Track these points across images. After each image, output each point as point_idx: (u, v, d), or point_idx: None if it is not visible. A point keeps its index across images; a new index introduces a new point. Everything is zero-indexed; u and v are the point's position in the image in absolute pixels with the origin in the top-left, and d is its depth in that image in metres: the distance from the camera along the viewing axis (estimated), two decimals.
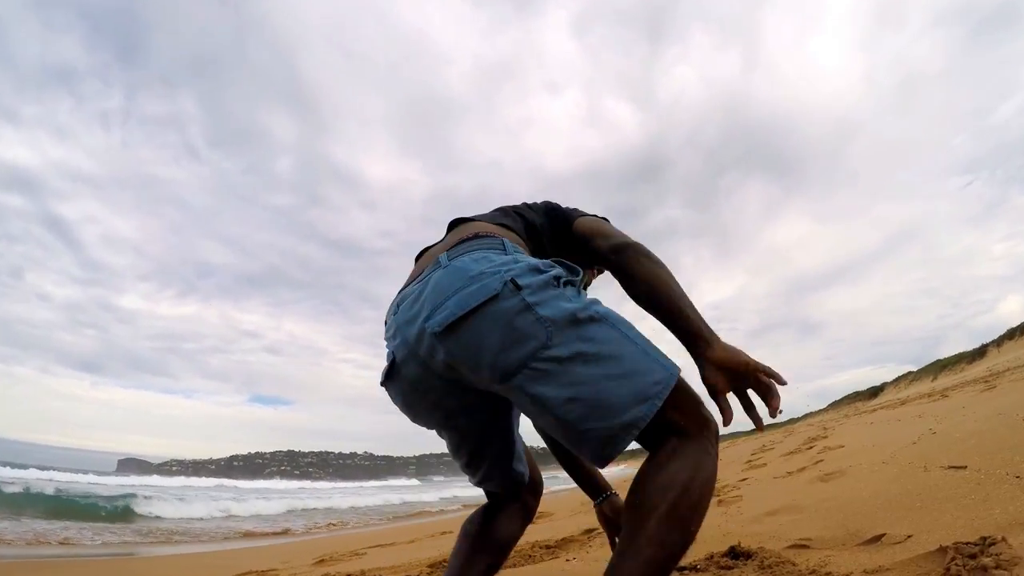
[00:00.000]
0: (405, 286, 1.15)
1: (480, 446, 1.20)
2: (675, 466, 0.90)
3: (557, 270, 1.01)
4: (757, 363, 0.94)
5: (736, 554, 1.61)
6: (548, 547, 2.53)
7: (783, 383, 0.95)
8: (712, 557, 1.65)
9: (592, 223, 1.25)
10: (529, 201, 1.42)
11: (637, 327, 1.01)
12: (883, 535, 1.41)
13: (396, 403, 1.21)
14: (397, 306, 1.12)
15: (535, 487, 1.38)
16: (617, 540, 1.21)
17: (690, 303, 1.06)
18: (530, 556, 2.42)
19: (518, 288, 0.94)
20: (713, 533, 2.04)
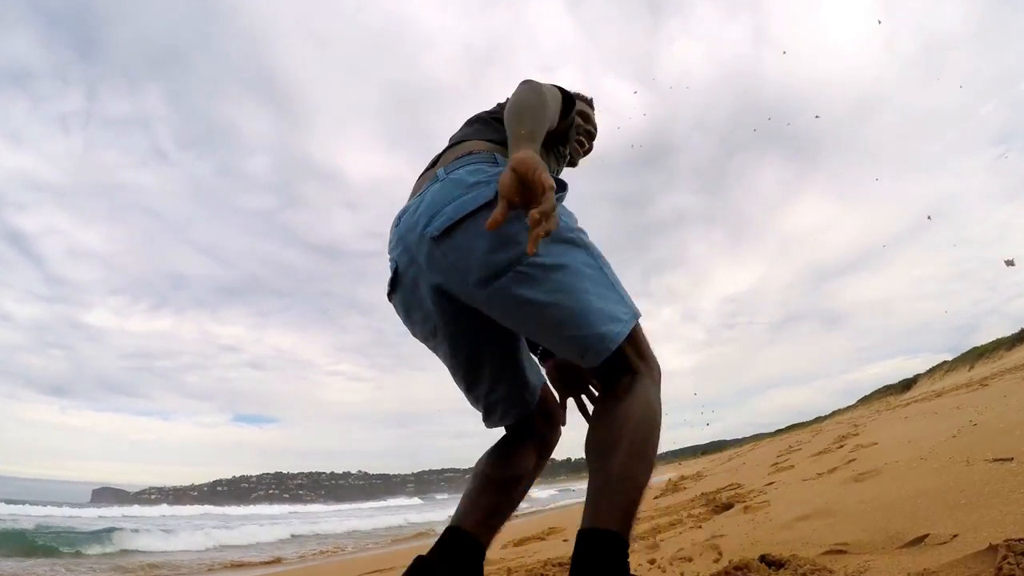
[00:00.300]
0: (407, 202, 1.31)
1: (474, 358, 1.28)
2: (627, 402, 1.09)
3: None
4: (545, 178, 0.96)
5: (768, 563, 1.60)
6: (561, 564, 2.51)
7: (551, 187, 0.96)
8: (741, 568, 1.64)
9: None
10: (502, 100, 1.50)
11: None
12: (926, 536, 1.40)
13: (399, 315, 1.37)
14: (399, 219, 1.27)
15: (552, 419, 1.45)
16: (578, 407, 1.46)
17: (536, 117, 1.14)
18: (542, 575, 2.41)
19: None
20: (741, 542, 2.03)
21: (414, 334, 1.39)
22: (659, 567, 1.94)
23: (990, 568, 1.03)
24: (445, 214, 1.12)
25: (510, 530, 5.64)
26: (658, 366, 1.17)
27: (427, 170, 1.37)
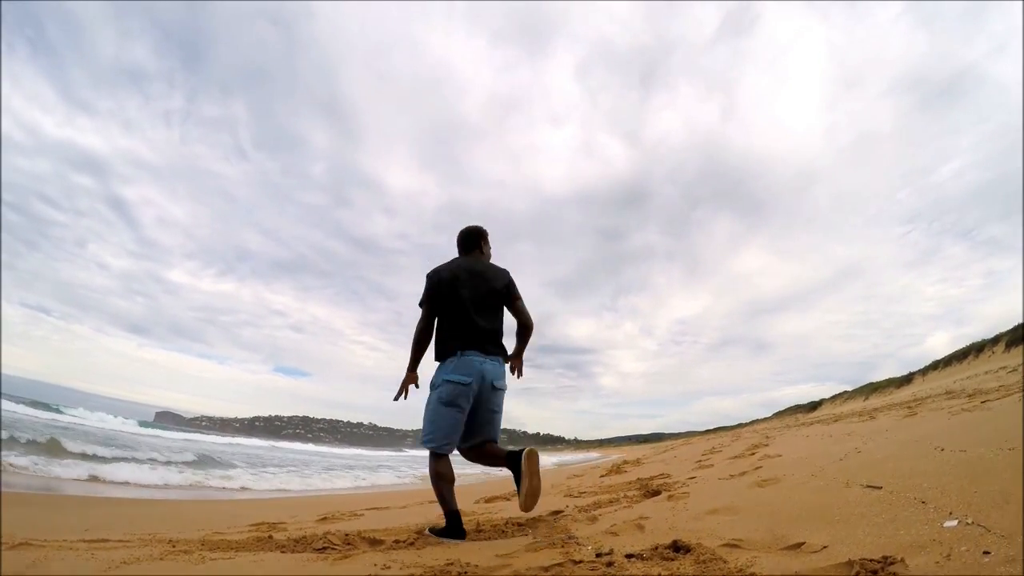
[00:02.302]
0: (473, 349, 2.40)
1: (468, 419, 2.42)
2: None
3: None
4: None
5: (678, 547, 1.62)
6: (519, 524, 2.52)
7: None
8: (657, 548, 1.65)
9: None
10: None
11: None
12: (803, 543, 1.42)
13: (452, 393, 2.38)
14: (481, 364, 2.39)
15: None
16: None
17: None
18: (504, 530, 2.42)
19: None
20: (661, 526, 2.05)
21: (454, 402, 2.34)
22: (593, 538, 1.96)
23: None
24: (503, 383, 2.46)
25: (483, 488, 5.60)
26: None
27: (487, 341, 2.43)
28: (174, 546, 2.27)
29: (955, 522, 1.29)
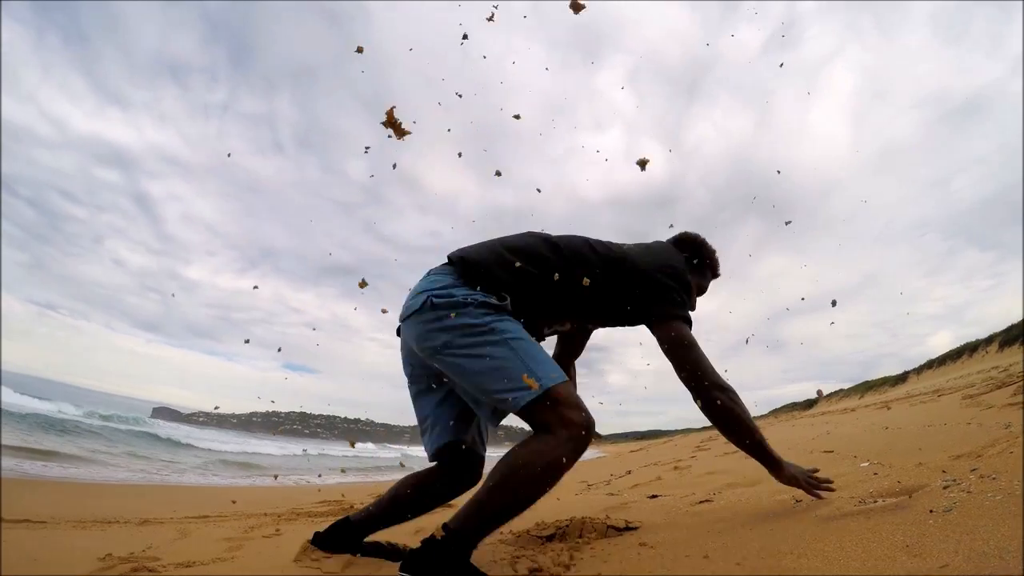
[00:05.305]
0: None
1: (427, 406, 1.37)
2: (520, 450, 1.05)
3: (474, 296, 1.20)
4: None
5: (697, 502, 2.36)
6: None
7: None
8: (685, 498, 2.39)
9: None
10: (607, 240, 1.44)
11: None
12: (761, 481, 2.16)
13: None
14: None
15: (472, 465, 1.38)
16: None
17: (761, 440, 1.36)
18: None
19: (434, 307, 1.19)
20: (672, 482, 2.79)
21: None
22: (616, 486, 2.70)
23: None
24: (403, 307, 1.32)
25: None
26: (581, 426, 1.07)
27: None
28: None
29: (867, 464, 2.03)
